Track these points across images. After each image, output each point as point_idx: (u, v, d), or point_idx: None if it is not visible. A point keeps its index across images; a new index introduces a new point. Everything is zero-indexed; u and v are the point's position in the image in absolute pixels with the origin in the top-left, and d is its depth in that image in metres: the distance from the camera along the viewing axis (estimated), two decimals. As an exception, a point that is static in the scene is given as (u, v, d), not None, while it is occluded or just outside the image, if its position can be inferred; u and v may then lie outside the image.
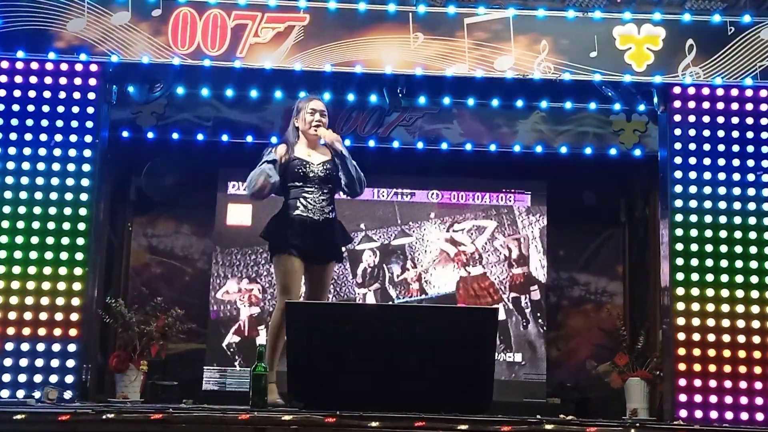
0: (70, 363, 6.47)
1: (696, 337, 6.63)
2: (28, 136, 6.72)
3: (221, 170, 8.85)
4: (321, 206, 5.70)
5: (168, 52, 6.81)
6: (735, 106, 6.93)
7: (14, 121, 6.73)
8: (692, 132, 6.92)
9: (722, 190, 6.82)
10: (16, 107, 6.75)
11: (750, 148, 6.88)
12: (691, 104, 6.95)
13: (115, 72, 6.98)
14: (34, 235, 6.59)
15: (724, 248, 6.75)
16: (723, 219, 6.78)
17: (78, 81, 6.82)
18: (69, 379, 6.45)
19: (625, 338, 7.88)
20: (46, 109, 6.76)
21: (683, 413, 6.52)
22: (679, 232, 6.79)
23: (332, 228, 5.77)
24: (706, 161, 6.87)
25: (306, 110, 5.86)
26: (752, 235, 6.76)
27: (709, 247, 6.76)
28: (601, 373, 7.91)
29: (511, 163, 8.54)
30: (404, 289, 8.71)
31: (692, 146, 6.90)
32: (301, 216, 5.67)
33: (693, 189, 6.83)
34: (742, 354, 6.59)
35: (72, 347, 6.49)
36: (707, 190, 6.83)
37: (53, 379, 6.42)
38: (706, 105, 6.94)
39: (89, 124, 6.79)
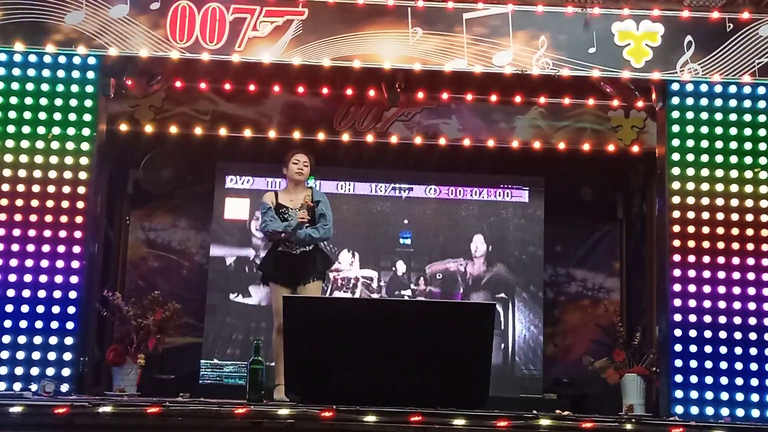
0: (67, 356, 6.47)
1: (692, 333, 6.64)
2: (26, 129, 6.70)
3: (219, 164, 8.86)
4: (299, 243, 6.61)
5: (166, 46, 6.80)
6: (733, 102, 6.93)
7: (12, 114, 6.72)
8: (690, 128, 6.92)
9: (720, 187, 6.82)
10: (14, 100, 6.74)
11: (748, 145, 6.89)
12: (690, 101, 6.95)
13: (113, 65, 6.96)
14: (31, 227, 6.58)
15: (721, 245, 6.75)
16: (720, 215, 6.79)
17: (76, 74, 6.81)
18: (66, 372, 6.45)
19: (622, 334, 7.89)
20: (43, 102, 6.75)
21: (679, 409, 6.54)
22: (676, 228, 6.80)
23: (311, 259, 6.66)
24: (704, 158, 6.87)
25: (292, 161, 6.77)
26: (749, 231, 6.77)
27: (706, 244, 6.76)
28: (597, 368, 7.91)
29: (509, 158, 8.54)
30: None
31: (690, 143, 6.90)
32: (283, 251, 6.65)
33: (691, 185, 6.83)
34: (738, 351, 6.60)
35: (69, 340, 6.49)
36: (705, 186, 6.83)
37: (50, 372, 6.41)
38: (704, 101, 6.93)
39: (87, 117, 6.78)
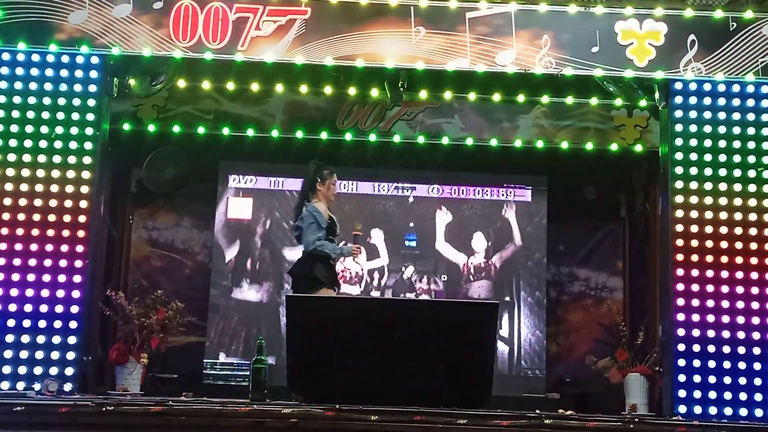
0: (71, 355, 6.48)
1: (696, 332, 6.63)
2: (29, 128, 6.71)
3: (222, 163, 8.86)
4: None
5: (169, 45, 6.80)
6: (736, 101, 6.92)
7: (15, 113, 6.73)
8: (693, 128, 6.92)
9: (723, 186, 6.82)
10: (17, 99, 6.75)
11: (751, 144, 6.88)
12: (693, 100, 6.94)
13: (116, 64, 6.98)
14: (34, 227, 6.59)
15: (724, 244, 6.75)
16: (723, 215, 6.78)
17: (79, 73, 6.82)
18: (69, 371, 6.46)
19: (625, 334, 7.88)
20: (47, 101, 6.76)
21: (682, 409, 6.53)
22: (679, 227, 6.79)
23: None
24: (707, 157, 6.87)
25: (331, 182, 6.96)
26: (752, 231, 6.76)
27: (709, 243, 6.76)
28: (600, 368, 7.91)
29: (511, 157, 8.53)
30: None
31: (693, 142, 6.89)
32: (333, 265, 6.90)
33: (694, 185, 6.83)
34: (741, 350, 6.60)
35: (72, 339, 6.50)
36: (708, 185, 6.83)
37: (53, 371, 6.42)
38: (707, 101, 6.93)
39: (90, 116, 6.79)
